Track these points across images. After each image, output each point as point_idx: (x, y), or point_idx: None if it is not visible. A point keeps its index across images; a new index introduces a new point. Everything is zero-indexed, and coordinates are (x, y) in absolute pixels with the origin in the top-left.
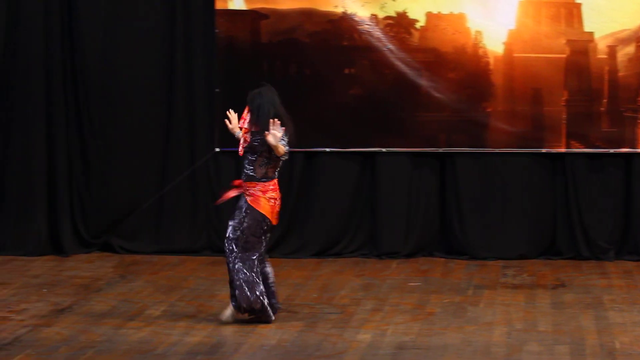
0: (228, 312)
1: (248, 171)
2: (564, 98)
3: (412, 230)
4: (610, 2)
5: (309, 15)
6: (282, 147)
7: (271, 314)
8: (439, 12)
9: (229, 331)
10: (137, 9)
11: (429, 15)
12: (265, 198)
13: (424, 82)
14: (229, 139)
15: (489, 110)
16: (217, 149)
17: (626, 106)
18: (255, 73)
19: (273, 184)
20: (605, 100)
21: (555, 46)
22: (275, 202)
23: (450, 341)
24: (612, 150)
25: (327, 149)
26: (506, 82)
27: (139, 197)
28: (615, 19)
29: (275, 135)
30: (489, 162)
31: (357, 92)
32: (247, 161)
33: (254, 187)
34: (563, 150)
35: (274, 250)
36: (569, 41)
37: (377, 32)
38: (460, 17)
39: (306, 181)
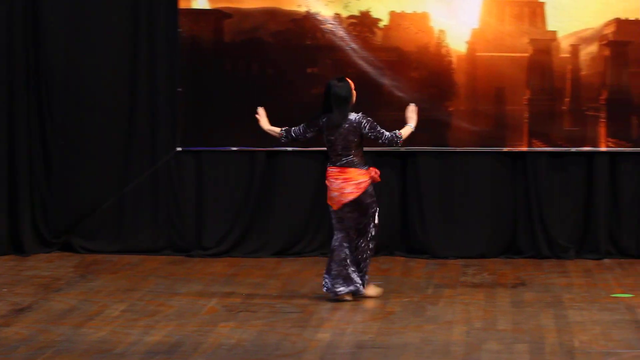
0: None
1: None
2: (526, 97)
3: None
4: (574, 1)
5: (272, 14)
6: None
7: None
8: (403, 12)
9: (188, 330)
10: (100, 7)
11: (393, 14)
12: None
13: (386, 81)
14: (191, 138)
15: (451, 109)
16: (179, 149)
17: (588, 105)
18: (217, 72)
19: (326, 172)
20: (567, 99)
21: (518, 45)
22: (327, 188)
23: (410, 340)
24: (573, 149)
25: (289, 148)
26: (469, 81)
27: (100, 197)
28: (578, 18)
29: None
30: (450, 161)
31: (319, 91)
32: None
33: None
34: (525, 149)
35: (234, 250)
36: (532, 40)
37: (341, 32)
38: (424, 16)
39: (267, 180)
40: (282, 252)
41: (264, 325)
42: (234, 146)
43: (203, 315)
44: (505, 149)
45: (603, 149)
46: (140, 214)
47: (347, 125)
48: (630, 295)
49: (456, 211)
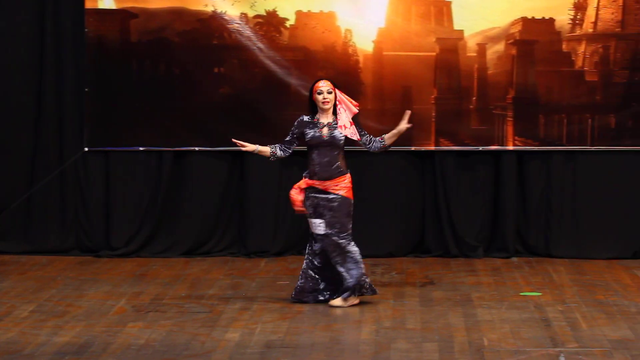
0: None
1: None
2: (433, 96)
3: (280, 229)
4: (481, 1)
5: (178, 14)
6: None
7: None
8: (309, 11)
9: (97, 331)
10: (6, 7)
11: (299, 13)
12: None
13: (293, 80)
14: (98, 138)
15: (358, 108)
16: (86, 149)
17: (495, 104)
18: (124, 72)
19: None
20: (474, 98)
21: (425, 44)
22: None
23: (319, 339)
24: (481, 148)
25: (197, 148)
26: (376, 80)
27: (8, 198)
28: (485, 17)
29: None
30: (358, 161)
31: (226, 91)
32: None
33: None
34: (432, 148)
35: (143, 250)
36: (438, 39)
37: (247, 31)
38: (330, 16)
39: (175, 180)
40: (191, 252)
41: (173, 325)
42: (141, 146)
43: (112, 315)
44: (412, 148)
45: (510, 147)
46: (48, 214)
47: None
48: (539, 294)
49: (364, 210)
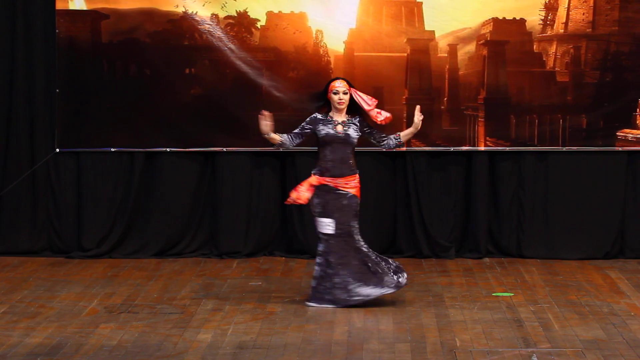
0: None
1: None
2: (404, 97)
3: (252, 230)
4: (452, 1)
5: (149, 15)
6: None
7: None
8: (280, 12)
9: (69, 332)
10: None
11: (270, 14)
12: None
13: (264, 81)
14: (69, 139)
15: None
16: (58, 150)
17: (467, 104)
18: (95, 73)
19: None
20: (445, 99)
21: (396, 45)
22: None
23: (291, 340)
24: (452, 149)
25: (168, 149)
26: None
27: None
28: (456, 18)
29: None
30: None
31: (197, 91)
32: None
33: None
34: (404, 148)
35: (114, 251)
36: (409, 40)
37: (218, 32)
38: (301, 17)
39: (147, 181)
40: (162, 253)
41: (145, 326)
42: (112, 147)
43: (84, 316)
44: (384, 149)
45: (482, 148)
46: (20, 215)
47: None
48: (511, 294)
49: None
